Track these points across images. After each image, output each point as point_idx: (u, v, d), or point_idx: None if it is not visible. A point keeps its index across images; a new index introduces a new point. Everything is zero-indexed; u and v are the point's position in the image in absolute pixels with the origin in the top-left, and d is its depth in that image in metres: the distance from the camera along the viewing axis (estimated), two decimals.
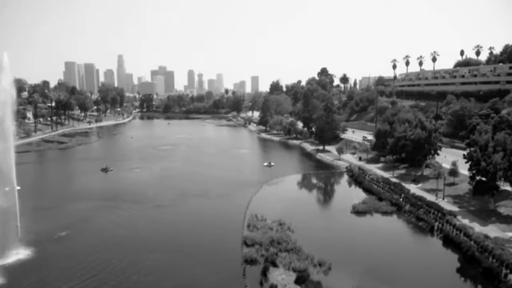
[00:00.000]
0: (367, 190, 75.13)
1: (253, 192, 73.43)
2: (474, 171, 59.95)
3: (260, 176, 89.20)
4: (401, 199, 66.09)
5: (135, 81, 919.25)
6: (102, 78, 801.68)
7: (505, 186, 62.62)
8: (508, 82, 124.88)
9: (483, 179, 58.26)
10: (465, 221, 53.84)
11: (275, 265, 42.96)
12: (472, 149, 62.68)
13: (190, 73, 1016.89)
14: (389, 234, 54.07)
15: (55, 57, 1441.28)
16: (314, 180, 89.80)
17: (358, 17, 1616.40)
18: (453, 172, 69.81)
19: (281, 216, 58.38)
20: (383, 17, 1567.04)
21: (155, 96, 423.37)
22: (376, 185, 76.55)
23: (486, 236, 48.06)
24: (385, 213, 62.06)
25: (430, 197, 64.80)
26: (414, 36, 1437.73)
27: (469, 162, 60.97)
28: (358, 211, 62.48)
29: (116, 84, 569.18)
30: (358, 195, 71.71)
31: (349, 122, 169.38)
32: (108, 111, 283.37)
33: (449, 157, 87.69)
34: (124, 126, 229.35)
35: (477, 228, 51.33)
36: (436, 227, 54.38)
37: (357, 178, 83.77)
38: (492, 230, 50.38)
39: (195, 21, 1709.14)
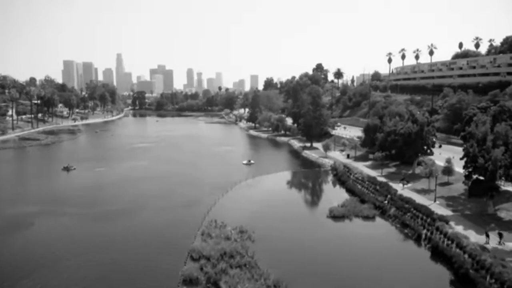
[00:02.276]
0: (350, 190, 66.68)
1: (220, 194, 65.01)
2: (470, 169, 51.40)
3: (236, 175, 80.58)
4: (386, 201, 57.57)
5: (134, 80, 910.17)
6: (100, 77, 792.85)
7: (506, 186, 54.14)
8: (509, 73, 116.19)
9: (481, 178, 49.72)
10: (459, 228, 45.60)
11: (218, 286, 34.54)
12: (468, 143, 53.90)
13: (189, 72, 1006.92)
14: (367, 244, 45.33)
15: (54, 56, 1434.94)
16: (294, 180, 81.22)
17: (356, 13, 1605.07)
18: (447, 170, 61.23)
19: (246, 221, 50.46)
20: (382, 14, 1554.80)
21: (150, 94, 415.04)
22: (361, 185, 68.13)
23: (484, 248, 39.62)
24: (366, 217, 53.81)
25: (419, 199, 56.28)
26: (411, 31, 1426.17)
27: (465, 159, 52.40)
28: (335, 216, 54.04)
29: (115, 83, 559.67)
30: (339, 197, 63.17)
31: (342, 118, 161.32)
32: (99, 109, 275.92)
33: (445, 154, 79.43)
34: (112, 124, 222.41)
35: (472, 237, 42.98)
36: (423, 236, 46.00)
37: (341, 177, 75.25)
38: (491, 239, 41.95)
39: (195, 20, 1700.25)
